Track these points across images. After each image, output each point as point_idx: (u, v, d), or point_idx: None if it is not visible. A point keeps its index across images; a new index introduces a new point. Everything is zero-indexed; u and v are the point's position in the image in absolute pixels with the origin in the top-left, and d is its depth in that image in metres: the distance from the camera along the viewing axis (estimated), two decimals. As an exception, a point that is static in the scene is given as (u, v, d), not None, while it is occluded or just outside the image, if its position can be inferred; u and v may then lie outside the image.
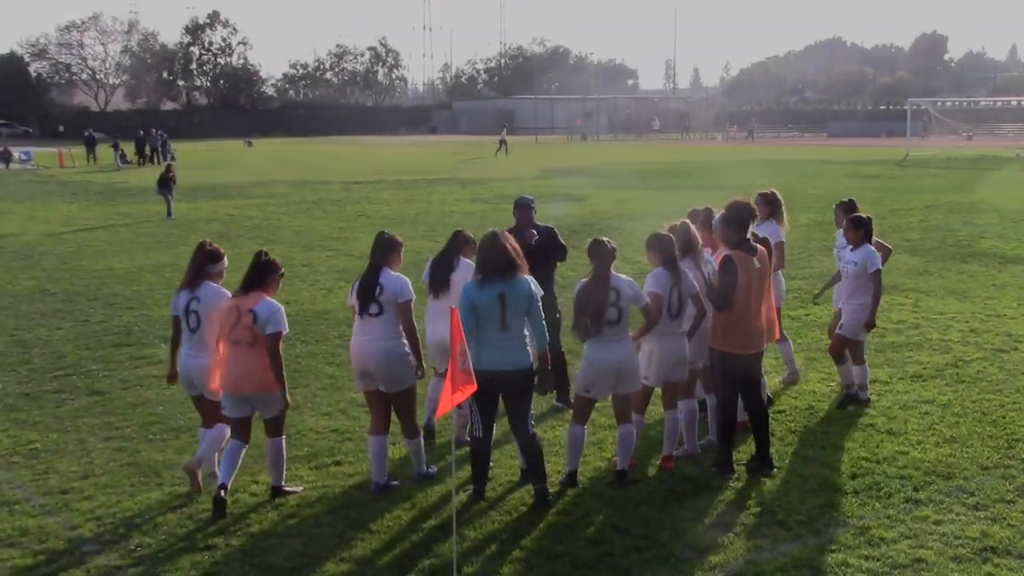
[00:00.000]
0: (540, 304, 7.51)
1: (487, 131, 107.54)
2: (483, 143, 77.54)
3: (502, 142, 63.70)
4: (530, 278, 7.51)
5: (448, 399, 6.22)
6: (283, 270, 7.97)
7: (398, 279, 7.74)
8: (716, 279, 8.05)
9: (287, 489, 7.83)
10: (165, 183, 28.72)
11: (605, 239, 7.88)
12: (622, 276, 7.81)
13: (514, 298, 7.33)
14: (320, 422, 9.54)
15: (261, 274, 7.68)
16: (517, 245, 7.59)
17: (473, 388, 6.38)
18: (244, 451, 7.70)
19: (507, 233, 7.69)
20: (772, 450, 8.44)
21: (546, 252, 9.66)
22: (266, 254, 7.83)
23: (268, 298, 7.60)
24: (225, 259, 8.04)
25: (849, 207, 10.27)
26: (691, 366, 8.39)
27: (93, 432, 9.34)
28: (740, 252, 7.94)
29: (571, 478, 7.84)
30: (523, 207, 9.92)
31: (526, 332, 7.46)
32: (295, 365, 11.59)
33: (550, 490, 7.64)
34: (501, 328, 7.32)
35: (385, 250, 7.86)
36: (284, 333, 7.53)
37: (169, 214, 28.33)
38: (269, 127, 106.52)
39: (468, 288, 7.45)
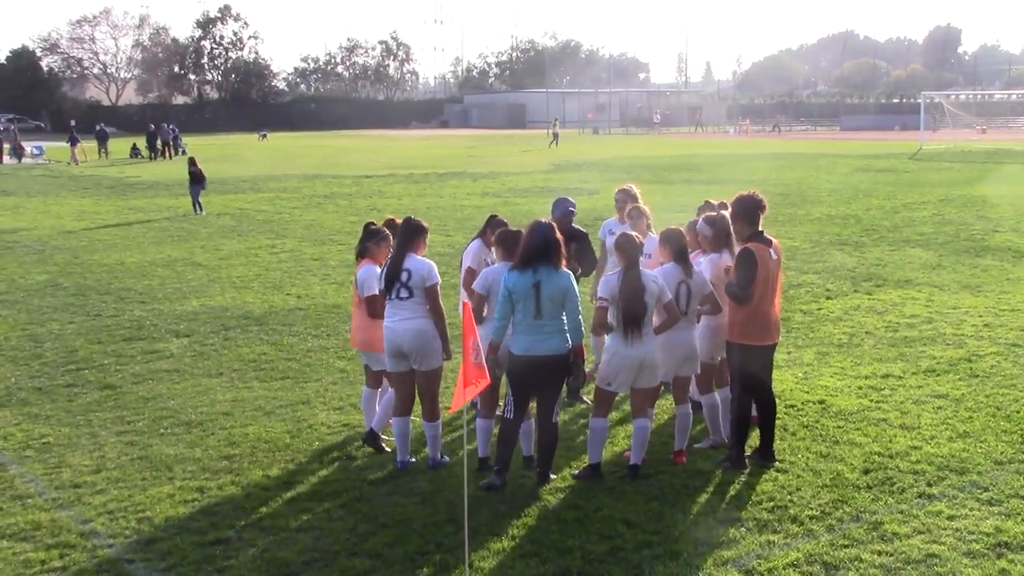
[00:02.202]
0: (578, 301, 7.55)
1: (498, 125, 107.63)
2: (495, 136, 77.47)
3: (554, 134, 66.94)
4: (570, 273, 7.59)
5: (461, 393, 6.22)
6: (384, 233, 8.51)
7: (424, 263, 7.95)
8: (732, 272, 8.02)
9: (382, 437, 8.54)
10: (197, 179, 27.56)
11: (634, 233, 7.90)
12: (648, 271, 7.81)
13: (549, 288, 7.39)
14: (331, 416, 9.54)
15: (363, 243, 8.51)
16: (562, 239, 7.62)
17: (487, 383, 6.40)
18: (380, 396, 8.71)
19: (555, 226, 7.68)
20: (784, 444, 8.45)
21: (575, 258, 9.53)
22: (372, 224, 8.69)
23: (368, 264, 8.39)
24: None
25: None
26: (710, 361, 8.41)
27: (105, 426, 9.36)
28: (757, 244, 7.92)
29: (595, 470, 7.84)
30: (564, 210, 9.81)
31: (564, 320, 7.48)
32: (306, 359, 11.61)
33: (552, 477, 7.77)
34: (536, 315, 7.41)
35: (411, 235, 8.03)
36: (375, 295, 8.18)
37: (197, 209, 27.36)
38: (280, 121, 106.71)
39: (506, 275, 7.57)
